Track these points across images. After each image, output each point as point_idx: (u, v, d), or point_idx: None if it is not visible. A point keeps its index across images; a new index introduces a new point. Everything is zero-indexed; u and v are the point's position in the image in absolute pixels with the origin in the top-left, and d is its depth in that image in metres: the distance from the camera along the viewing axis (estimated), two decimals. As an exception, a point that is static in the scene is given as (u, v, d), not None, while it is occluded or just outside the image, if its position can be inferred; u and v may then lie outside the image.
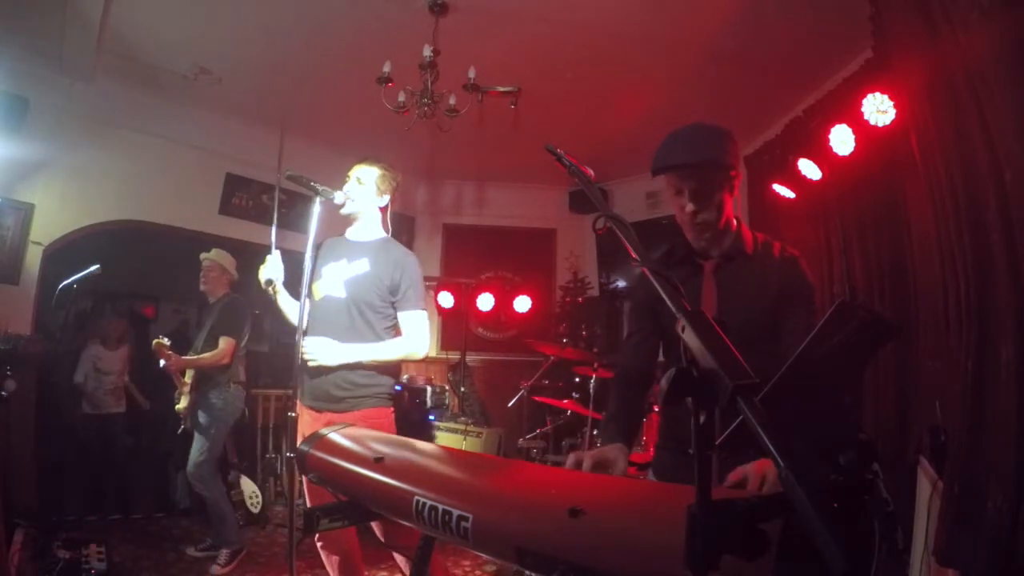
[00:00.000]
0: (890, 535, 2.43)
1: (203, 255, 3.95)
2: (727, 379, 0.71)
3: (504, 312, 6.33)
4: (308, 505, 2.23)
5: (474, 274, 6.29)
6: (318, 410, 2.33)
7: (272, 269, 2.45)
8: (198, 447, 3.65)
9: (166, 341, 3.62)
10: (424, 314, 2.45)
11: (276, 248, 2.51)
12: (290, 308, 2.50)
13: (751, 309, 1.51)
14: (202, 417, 3.68)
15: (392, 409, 2.46)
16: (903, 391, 2.95)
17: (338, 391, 2.32)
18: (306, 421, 2.33)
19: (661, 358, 1.71)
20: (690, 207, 1.51)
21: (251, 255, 5.17)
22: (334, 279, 2.42)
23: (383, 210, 2.55)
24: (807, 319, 1.48)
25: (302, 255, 2.23)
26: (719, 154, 1.50)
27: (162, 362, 3.63)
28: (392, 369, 2.47)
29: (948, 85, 1.82)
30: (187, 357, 3.72)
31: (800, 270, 1.57)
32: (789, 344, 1.39)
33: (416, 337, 2.42)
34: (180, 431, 3.77)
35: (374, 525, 2.21)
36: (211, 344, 3.74)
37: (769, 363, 1.10)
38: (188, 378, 3.73)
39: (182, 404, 3.73)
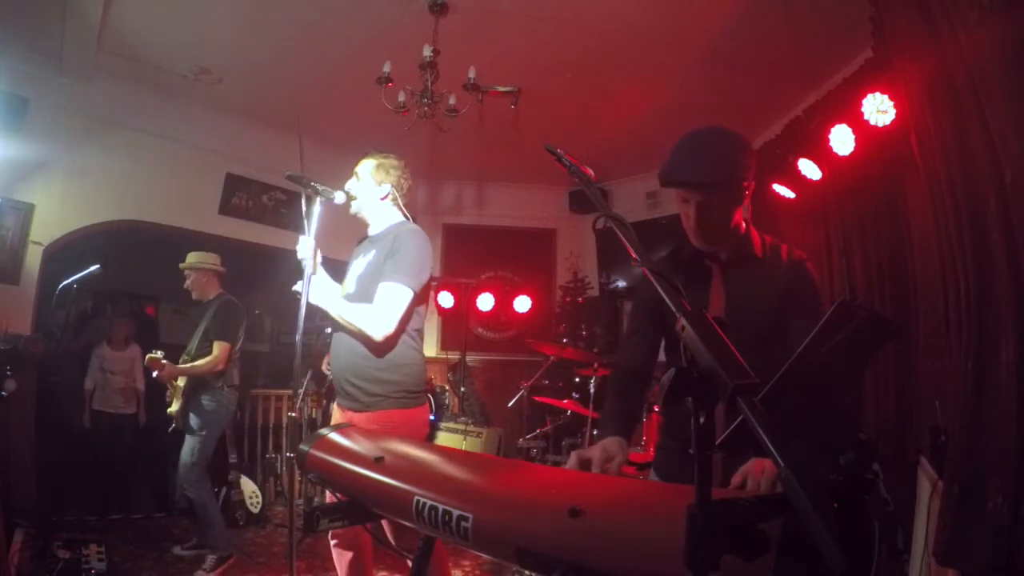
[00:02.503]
0: (890, 535, 2.43)
1: (181, 265, 3.85)
2: (727, 379, 0.71)
3: (504, 312, 6.33)
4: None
5: (474, 274, 6.29)
6: (342, 408, 2.34)
7: (303, 247, 2.20)
8: (188, 449, 3.59)
9: (159, 354, 3.54)
10: (400, 288, 2.17)
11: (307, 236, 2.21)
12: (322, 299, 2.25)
13: (760, 311, 1.51)
14: (193, 420, 3.62)
15: (419, 409, 2.34)
16: (903, 391, 2.95)
17: (351, 387, 2.28)
18: (336, 416, 2.35)
19: (662, 358, 1.71)
20: (692, 220, 1.50)
21: (251, 255, 5.21)
22: (351, 278, 2.41)
23: (389, 199, 2.42)
24: (811, 323, 1.47)
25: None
26: (731, 169, 1.46)
27: (155, 373, 3.58)
28: (411, 369, 2.30)
29: (948, 85, 1.82)
30: (181, 365, 3.64)
31: (807, 273, 1.57)
32: (793, 348, 1.39)
33: (378, 310, 2.15)
34: (171, 429, 3.76)
35: (385, 525, 2.21)
36: (205, 347, 3.67)
37: (777, 362, 1.10)
38: (180, 381, 3.67)
39: (174, 407, 3.69)
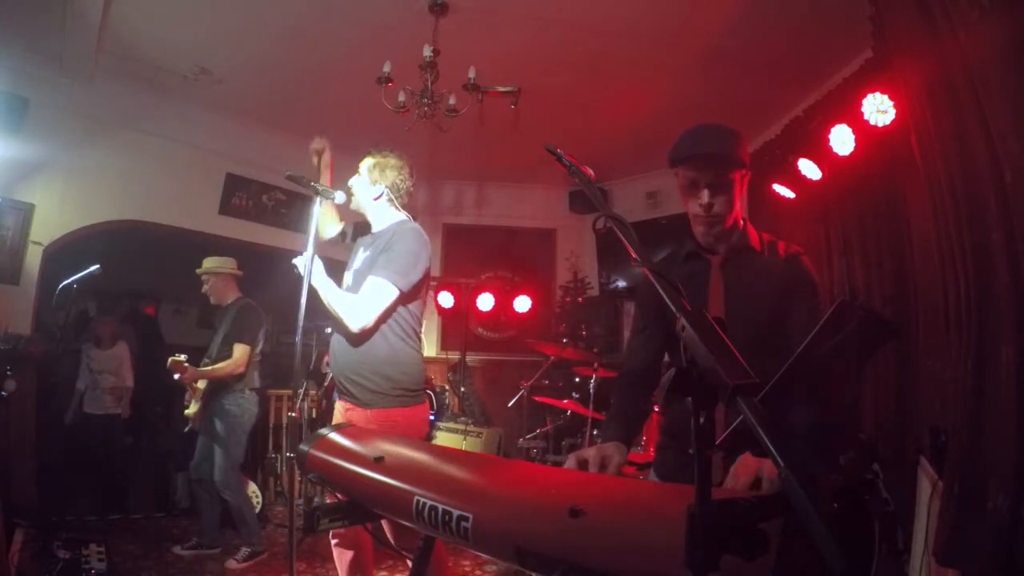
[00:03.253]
0: (890, 535, 2.43)
1: (198, 271, 3.90)
2: (727, 379, 0.71)
3: (504, 312, 6.32)
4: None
5: (474, 274, 6.29)
6: (344, 402, 2.36)
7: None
8: (220, 456, 3.65)
9: (182, 358, 3.57)
10: (386, 285, 2.19)
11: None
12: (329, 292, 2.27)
13: (759, 305, 1.52)
14: (219, 426, 3.67)
15: (419, 407, 2.37)
16: (903, 391, 2.95)
17: (350, 385, 2.30)
18: (339, 411, 2.37)
19: (667, 358, 1.71)
20: (706, 198, 1.53)
21: (251, 255, 5.20)
22: (349, 272, 2.42)
23: (383, 199, 2.41)
24: (810, 316, 1.47)
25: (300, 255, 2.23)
26: (737, 151, 1.52)
27: (176, 376, 3.59)
28: (409, 368, 2.32)
29: (948, 85, 1.82)
30: (202, 368, 3.69)
31: (803, 266, 1.58)
32: (793, 343, 1.39)
33: (360, 302, 2.19)
34: (187, 429, 3.82)
35: (385, 525, 2.21)
36: (226, 350, 3.73)
37: (777, 358, 1.10)
38: (201, 384, 3.71)
39: (192, 409, 3.73)
